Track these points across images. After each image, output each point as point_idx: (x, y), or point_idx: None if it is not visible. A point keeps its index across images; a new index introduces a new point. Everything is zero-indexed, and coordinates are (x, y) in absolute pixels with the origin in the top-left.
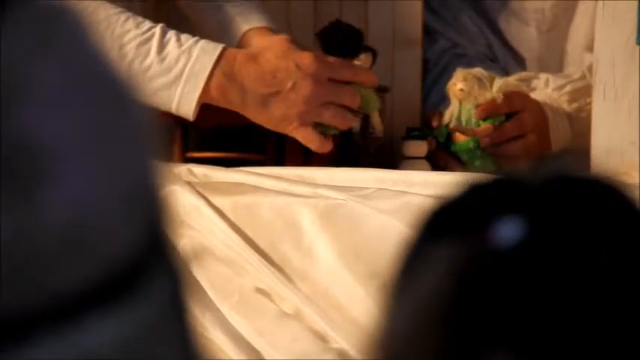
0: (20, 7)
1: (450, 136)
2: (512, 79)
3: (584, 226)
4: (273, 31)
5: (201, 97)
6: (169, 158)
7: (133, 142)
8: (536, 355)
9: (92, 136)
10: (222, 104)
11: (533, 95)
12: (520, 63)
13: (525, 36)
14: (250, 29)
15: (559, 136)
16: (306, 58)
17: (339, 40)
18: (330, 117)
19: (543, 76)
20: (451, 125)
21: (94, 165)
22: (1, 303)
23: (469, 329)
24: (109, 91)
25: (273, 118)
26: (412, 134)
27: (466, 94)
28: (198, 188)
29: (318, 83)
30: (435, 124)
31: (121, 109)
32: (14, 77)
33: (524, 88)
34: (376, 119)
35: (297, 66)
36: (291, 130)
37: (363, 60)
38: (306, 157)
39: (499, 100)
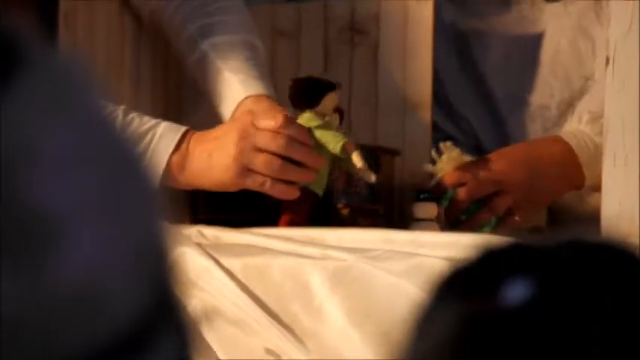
0: (31, 67)
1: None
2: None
3: (594, 289)
4: (270, 98)
5: (163, 176)
6: (179, 220)
7: (140, 206)
8: None
9: (100, 201)
10: (182, 181)
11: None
12: None
13: (530, 131)
14: (248, 97)
15: (593, 166)
16: (245, 114)
17: (295, 95)
18: (261, 163)
19: (577, 114)
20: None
21: (103, 229)
22: None
23: None
24: (115, 156)
25: (218, 173)
26: (422, 197)
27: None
28: (208, 250)
29: (245, 129)
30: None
31: (128, 173)
32: (22, 143)
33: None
34: (355, 159)
35: (240, 122)
36: (236, 181)
37: (331, 118)
38: (284, 210)
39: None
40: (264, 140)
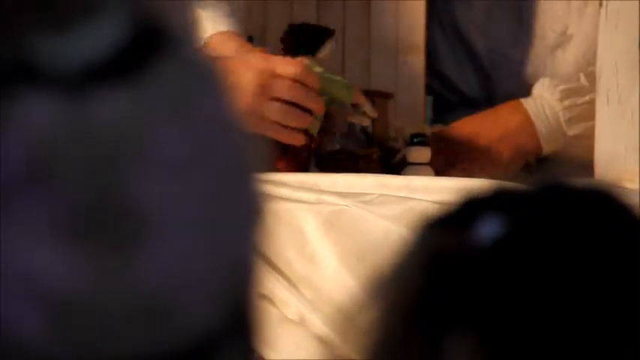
0: (165, 60)
1: None
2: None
3: (567, 229)
4: (239, 35)
5: None
6: None
7: (237, 223)
8: (496, 338)
9: (198, 210)
10: None
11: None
12: None
13: (514, 87)
14: (215, 33)
15: (549, 136)
16: (256, 57)
17: (295, 43)
18: (275, 112)
19: (546, 81)
20: None
21: (193, 238)
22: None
23: (436, 313)
24: (226, 166)
25: None
26: (415, 140)
27: None
28: None
29: (261, 77)
30: None
31: (234, 186)
32: (136, 135)
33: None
34: (363, 104)
35: (244, 62)
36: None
37: (328, 50)
38: (281, 155)
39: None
40: (283, 89)
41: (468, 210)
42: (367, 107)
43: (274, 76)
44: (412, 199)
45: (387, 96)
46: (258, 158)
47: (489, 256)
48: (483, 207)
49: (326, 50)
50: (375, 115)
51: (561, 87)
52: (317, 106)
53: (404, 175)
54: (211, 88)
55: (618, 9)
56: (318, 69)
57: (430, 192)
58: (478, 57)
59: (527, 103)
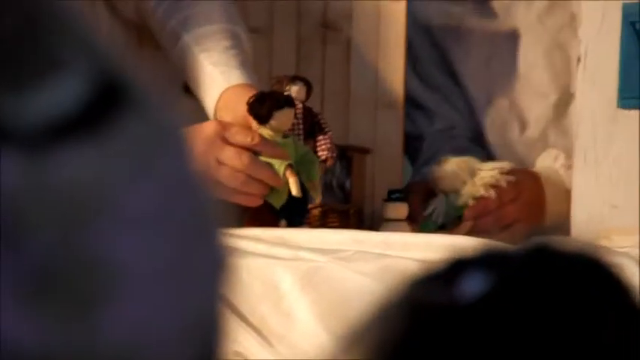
0: (131, 113)
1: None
2: (495, 173)
3: (551, 291)
4: (253, 87)
5: None
6: None
7: (205, 278)
8: None
9: (165, 266)
10: None
11: (538, 164)
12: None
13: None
14: (229, 87)
15: (555, 209)
16: (209, 127)
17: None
18: (225, 177)
19: (553, 151)
20: (438, 220)
21: (160, 294)
22: None
23: None
24: (193, 222)
25: None
26: (393, 196)
27: (447, 190)
28: None
29: (210, 140)
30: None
31: (202, 241)
32: (102, 190)
33: (502, 184)
34: (290, 181)
35: (206, 133)
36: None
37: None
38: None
39: (491, 196)
40: (229, 156)
41: (453, 267)
42: (292, 185)
43: (225, 142)
44: (389, 256)
45: (364, 151)
46: (222, 213)
47: (471, 312)
48: (469, 265)
49: (278, 118)
50: (295, 193)
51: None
52: (269, 178)
53: (381, 231)
54: (175, 143)
55: (596, 66)
56: (273, 136)
57: (407, 248)
58: (472, 101)
59: (541, 174)
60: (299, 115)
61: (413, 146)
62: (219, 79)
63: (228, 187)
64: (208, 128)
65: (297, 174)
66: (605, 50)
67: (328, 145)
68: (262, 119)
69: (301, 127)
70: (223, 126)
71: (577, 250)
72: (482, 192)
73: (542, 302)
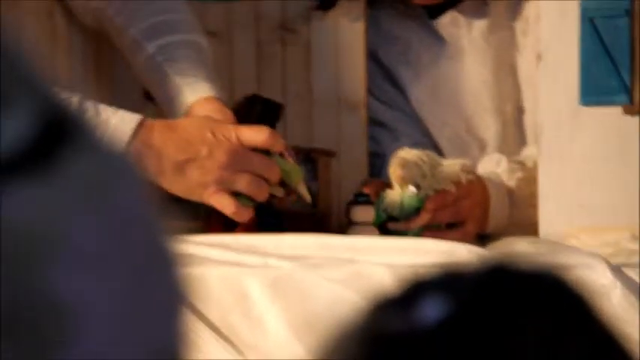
0: (76, 151)
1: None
2: (457, 168)
3: (511, 311)
4: (219, 99)
5: None
6: None
7: (161, 313)
8: None
9: (120, 302)
10: None
11: (480, 169)
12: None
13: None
14: (197, 100)
15: (498, 212)
16: (223, 128)
17: (258, 114)
18: (246, 185)
19: (495, 156)
20: (392, 211)
21: (117, 331)
22: None
23: None
24: (146, 257)
25: (188, 184)
26: (359, 199)
27: (408, 180)
28: None
29: (234, 151)
30: (369, 192)
31: (155, 276)
32: (50, 230)
33: (463, 180)
34: (302, 190)
35: (213, 134)
36: (207, 197)
37: None
38: (229, 227)
39: (451, 190)
40: (260, 167)
41: (409, 291)
42: (304, 192)
43: (242, 149)
44: (358, 261)
45: (329, 154)
46: (175, 244)
47: (431, 338)
48: (426, 289)
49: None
50: (309, 201)
51: (519, 175)
52: (276, 175)
53: (349, 234)
54: (125, 177)
55: (556, 63)
56: None
57: (376, 253)
58: (427, 125)
59: (486, 180)
60: None
61: (374, 164)
62: (185, 90)
63: (251, 192)
64: (223, 137)
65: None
66: (564, 47)
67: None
68: (270, 122)
69: None
70: (235, 129)
71: (535, 268)
72: (443, 185)
73: (502, 324)
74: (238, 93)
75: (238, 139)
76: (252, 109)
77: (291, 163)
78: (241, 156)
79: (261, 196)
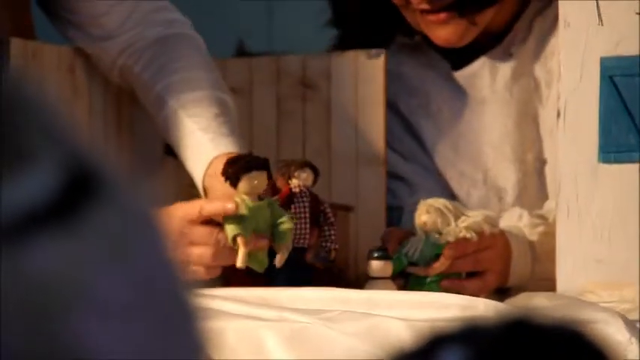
0: (103, 203)
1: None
2: (480, 219)
3: None
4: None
5: None
6: None
7: None
8: None
9: (143, 353)
10: None
11: (502, 223)
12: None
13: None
14: (218, 156)
15: (520, 267)
16: (190, 205)
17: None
18: (196, 257)
19: (517, 210)
20: (413, 257)
21: None
22: None
23: None
24: (168, 309)
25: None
26: (376, 255)
27: (430, 226)
28: None
29: (181, 229)
30: (389, 247)
31: (178, 329)
32: (75, 281)
33: (485, 230)
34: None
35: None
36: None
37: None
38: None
39: (472, 239)
40: (200, 237)
41: (430, 344)
42: (241, 255)
43: (192, 222)
44: (375, 315)
45: (347, 209)
46: (196, 297)
47: None
48: (446, 341)
49: (244, 183)
50: (240, 265)
51: (540, 229)
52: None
53: (366, 289)
54: (149, 230)
55: (575, 120)
56: (244, 206)
57: (393, 307)
58: (445, 178)
59: (509, 234)
60: (306, 202)
61: (392, 217)
62: (208, 146)
63: (201, 265)
64: (178, 212)
65: (272, 238)
66: (584, 104)
67: (332, 237)
68: (231, 182)
69: (307, 214)
70: (191, 208)
71: (556, 324)
72: (465, 233)
73: None
74: (258, 149)
75: (200, 212)
76: (226, 169)
77: (230, 225)
78: (187, 232)
79: (216, 263)
